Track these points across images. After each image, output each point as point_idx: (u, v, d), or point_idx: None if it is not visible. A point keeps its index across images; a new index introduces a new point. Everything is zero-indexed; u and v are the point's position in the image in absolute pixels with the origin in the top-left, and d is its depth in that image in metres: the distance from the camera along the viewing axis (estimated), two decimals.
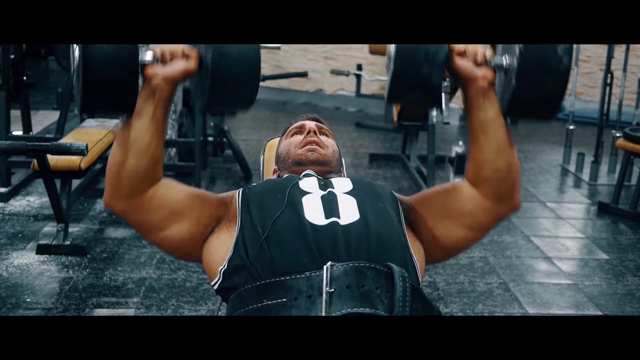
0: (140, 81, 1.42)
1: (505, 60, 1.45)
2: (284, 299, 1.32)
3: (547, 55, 1.38)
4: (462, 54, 1.45)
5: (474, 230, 1.55)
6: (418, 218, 1.55)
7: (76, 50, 1.36)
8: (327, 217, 1.44)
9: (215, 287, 1.47)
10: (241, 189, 1.56)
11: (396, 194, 1.60)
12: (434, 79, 1.42)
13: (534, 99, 1.42)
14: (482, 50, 1.46)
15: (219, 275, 1.45)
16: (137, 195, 1.46)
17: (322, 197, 1.49)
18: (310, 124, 1.75)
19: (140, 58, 1.38)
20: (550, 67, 1.38)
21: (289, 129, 1.79)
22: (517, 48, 1.39)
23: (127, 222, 1.51)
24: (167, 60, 1.42)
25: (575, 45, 6.13)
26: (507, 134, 1.49)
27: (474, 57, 1.45)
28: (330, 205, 1.47)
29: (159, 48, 1.42)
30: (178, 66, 1.41)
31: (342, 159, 1.87)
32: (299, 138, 1.73)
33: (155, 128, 1.43)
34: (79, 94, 1.39)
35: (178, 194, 1.50)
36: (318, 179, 1.58)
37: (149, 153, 1.44)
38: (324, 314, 1.28)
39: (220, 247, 1.47)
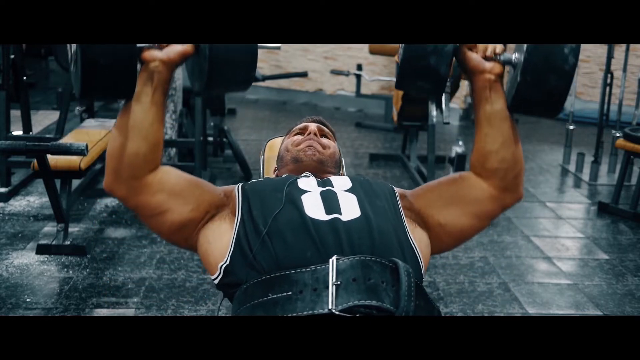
0: (138, 65, 1.42)
1: (514, 56, 1.48)
2: (289, 293, 1.33)
3: (553, 54, 1.40)
4: (472, 47, 1.48)
5: (480, 219, 1.58)
6: (423, 208, 1.57)
7: None
8: (328, 213, 1.45)
9: (216, 282, 1.48)
10: (240, 184, 1.57)
11: (397, 189, 1.62)
12: (441, 69, 1.45)
13: (538, 95, 1.44)
14: (492, 44, 1.47)
15: (219, 271, 1.46)
16: (137, 179, 1.47)
17: (321, 193, 1.50)
18: (313, 127, 1.77)
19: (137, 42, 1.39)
20: (555, 65, 1.40)
21: (292, 130, 1.81)
22: (524, 46, 1.41)
23: (126, 206, 1.52)
24: (164, 44, 1.43)
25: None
26: (512, 126, 1.53)
27: (483, 50, 1.48)
28: (330, 202, 1.48)
29: None
30: (175, 49, 1.43)
31: (342, 160, 1.87)
32: (299, 138, 1.75)
33: (154, 111, 1.45)
34: (77, 79, 1.39)
35: (178, 178, 1.52)
36: (317, 179, 1.59)
37: (149, 137, 1.45)
38: (330, 307, 1.29)
39: (220, 238, 1.48)
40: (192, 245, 1.54)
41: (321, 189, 1.52)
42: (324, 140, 1.75)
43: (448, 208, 1.56)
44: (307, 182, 1.55)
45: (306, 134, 1.74)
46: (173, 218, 1.50)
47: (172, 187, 1.50)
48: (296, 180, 1.55)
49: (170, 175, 1.51)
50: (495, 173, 1.53)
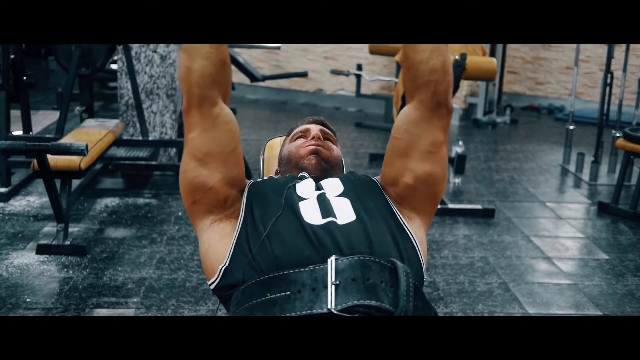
0: None
1: None
2: (288, 292, 1.33)
3: None
4: None
5: (434, 153, 1.55)
6: (396, 180, 1.56)
7: None
8: (323, 217, 1.45)
9: (213, 286, 1.48)
10: (249, 184, 1.58)
11: (376, 179, 1.62)
12: None
13: None
14: None
15: (218, 273, 1.46)
16: (209, 104, 1.49)
17: (318, 197, 1.51)
18: (315, 130, 1.74)
19: None
20: None
21: (294, 132, 1.78)
22: None
23: (185, 134, 1.53)
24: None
25: (575, 45, 6.11)
26: None
27: None
28: (325, 206, 1.48)
29: None
30: None
31: (342, 160, 1.86)
32: (302, 142, 1.72)
33: None
34: None
35: (237, 148, 1.55)
36: (315, 183, 1.58)
37: (212, 56, 1.46)
38: (329, 306, 1.29)
39: (221, 241, 1.48)
40: (193, 213, 1.55)
41: (317, 192, 1.53)
42: (327, 144, 1.73)
43: (408, 162, 1.54)
44: (306, 188, 1.55)
45: (309, 138, 1.72)
46: (200, 173, 1.51)
47: (226, 150, 1.52)
48: (295, 184, 1.56)
49: (235, 140, 1.54)
50: (427, 86, 1.51)
